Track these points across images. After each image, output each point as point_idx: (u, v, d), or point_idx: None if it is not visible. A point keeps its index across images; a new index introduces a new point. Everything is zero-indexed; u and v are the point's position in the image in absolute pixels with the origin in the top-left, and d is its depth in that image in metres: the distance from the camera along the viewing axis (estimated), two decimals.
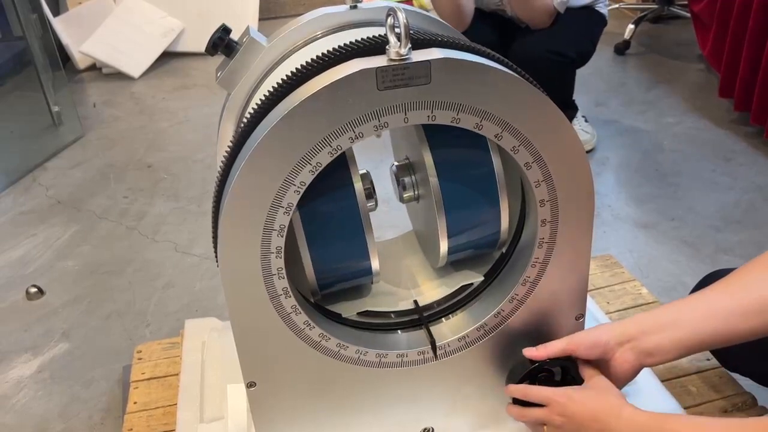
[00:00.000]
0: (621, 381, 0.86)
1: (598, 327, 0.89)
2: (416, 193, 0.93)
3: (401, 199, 0.94)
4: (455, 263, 0.95)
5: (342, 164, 0.82)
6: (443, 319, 0.92)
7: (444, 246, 0.87)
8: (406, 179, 0.92)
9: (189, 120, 2.79)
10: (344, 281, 0.89)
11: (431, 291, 0.95)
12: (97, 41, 3.24)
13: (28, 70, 2.71)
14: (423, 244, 1.01)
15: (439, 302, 0.94)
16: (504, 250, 0.93)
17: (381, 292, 0.95)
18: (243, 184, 0.72)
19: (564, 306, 0.90)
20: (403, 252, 1.02)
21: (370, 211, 0.86)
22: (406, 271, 1.00)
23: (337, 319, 0.89)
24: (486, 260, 0.95)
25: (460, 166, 0.86)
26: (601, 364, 0.87)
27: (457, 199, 0.85)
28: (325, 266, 0.85)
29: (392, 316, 0.94)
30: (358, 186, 0.82)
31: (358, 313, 0.91)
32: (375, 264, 0.86)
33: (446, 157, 0.85)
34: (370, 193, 0.87)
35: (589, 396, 0.83)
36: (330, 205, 0.82)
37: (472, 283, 0.93)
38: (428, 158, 0.84)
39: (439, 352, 0.89)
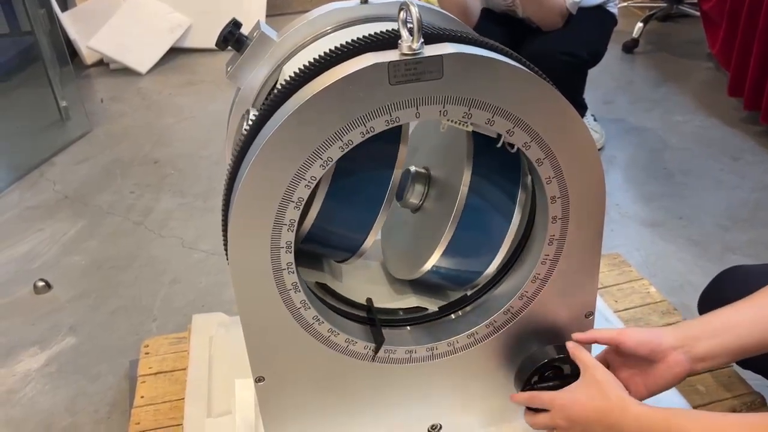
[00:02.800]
0: (669, 384, 0.86)
1: (648, 329, 0.90)
2: (420, 203, 0.94)
3: (401, 200, 0.94)
4: (414, 285, 0.97)
5: (394, 139, 0.82)
6: (452, 315, 0.92)
7: (434, 259, 0.87)
8: (419, 187, 0.93)
9: (195, 116, 2.79)
10: (331, 244, 0.88)
11: (388, 296, 0.96)
12: (104, 37, 3.25)
13: (36, 65, 2.72)
14: (394, 254, 1.01)
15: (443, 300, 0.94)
16: (468, 292, 0.94)
17: (344, 274, 0.96)
18: (254, 179, 0.72)
19: (574, 303, 0.90)
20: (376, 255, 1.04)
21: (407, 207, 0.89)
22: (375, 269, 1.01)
23: (346, 314, 0.89)
24: (443, 296, 0.97)
25: (488, 202, 0.88)
26: (643, 364, 0.86)
27: (469, 224, 0.86)
28: (327, 219, 0.83)
29: (400, 312, 0.94)
30: (397, 173, 0.83)
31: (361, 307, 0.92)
32: (368, 243, 0.86)
33: (481, 185, 0.87)
34: (404, 187, 0.90)
35: (591, 395, 0.82)
36: (366, 173, 0.83)
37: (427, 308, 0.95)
38: (467, 175, 0.85)
39: (448, 348, 0.88)
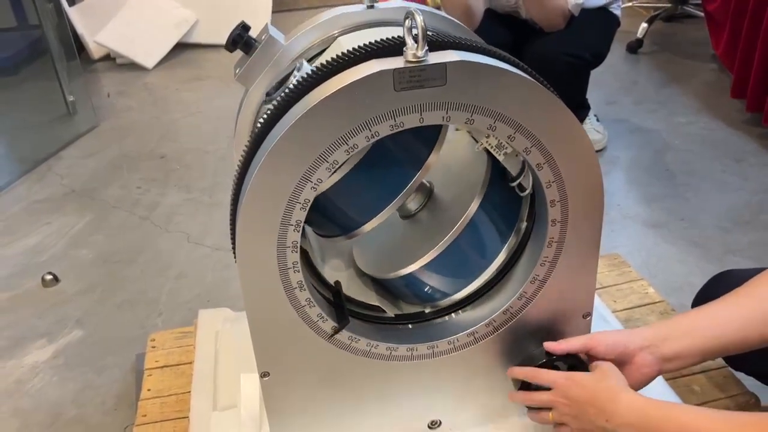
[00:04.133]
0: (638, 384, 0.87)
1: (618, 331, 0.92)
2: (414, 211, 0.95)
3: (402, 210, 0.96)
4: (377, 284, 0.98)
5: (430, 142, 0.84)
6: (453, 314, 0.94)
7: (412, 269, 0.89)
8: (420, 197, 0.95)
9: (201, 111, 2.81)
10: (329, 216, 0.87)
11: (355, 288, 0.97)
12: (111, 31, 3.27)
13: (44, 59, 2.74)
14: (368, 249, 1.01)
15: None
16: (426, 310, 0.96)
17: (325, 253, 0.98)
18: (261, 180, 0.74)
19: (572, 304, 0.92)
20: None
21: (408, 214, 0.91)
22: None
23: (350, 312, 0.91)
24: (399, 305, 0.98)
25: (482, 235, 0.91)
26: (617, 366, 0.88)
27: (458, 249, 0.89)
28: (338, 193, 0.83)
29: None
30: (421, 175, 0.84)
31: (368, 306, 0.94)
32: (364, 229, 0.86)
33: (481, 217, 0.89)
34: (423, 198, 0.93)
35: (590, 379, 0.85)
36: (393, 165, 0.84)
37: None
38: (475, 203, 0.88)
39: (448, 346, 0.90)
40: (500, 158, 0.87)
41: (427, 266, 0.89)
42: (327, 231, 0.92)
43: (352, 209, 0.87)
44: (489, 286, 0.94)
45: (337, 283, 0.93)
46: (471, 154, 0.95)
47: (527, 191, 0.90)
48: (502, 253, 0.91)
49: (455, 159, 0.97)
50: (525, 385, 0.91)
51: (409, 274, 0.90)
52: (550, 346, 0.90)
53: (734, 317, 0.86)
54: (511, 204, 0.92)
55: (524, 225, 0.92)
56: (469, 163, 0.95)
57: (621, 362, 0.87)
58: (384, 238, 0.99)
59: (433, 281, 0.92)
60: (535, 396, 0.89)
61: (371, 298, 0.96)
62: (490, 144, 0.85)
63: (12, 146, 2.67)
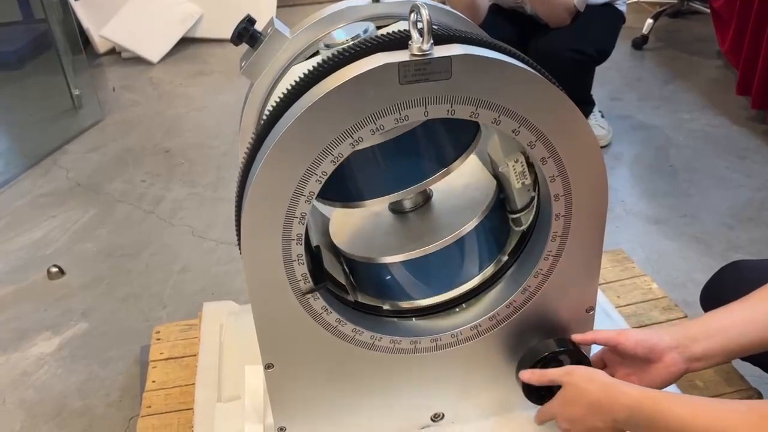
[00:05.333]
0: (665, 383, 0.88)
1: (647, 329, 0.92)
2: (407, 210, 0.96)
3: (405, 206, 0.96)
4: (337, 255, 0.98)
5: (465, 145, 0.85)
6: (457, 308, 0.94)
7: (387, 260, 0.90)
8: (419, 198, 0.96)
9: (206, 106, 2.82)
10: (336, 178, 0.84)
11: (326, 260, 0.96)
12: (117, 26, 3.28)
13: (49, 53, 2.75)
14: (345, 225, 1.00)
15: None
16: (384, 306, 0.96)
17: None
18: (267, 173, 0.75)
19: (575, 298, 0.93)
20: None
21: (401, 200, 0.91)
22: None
23: (354, 305, 0.92)
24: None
25: (464, 255, 0.93)
26: (640, 364, 0.89)
27: (438, 261, 0.90)
28: (358, 162, 0.83)
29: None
30: (445, 172, 0.85)
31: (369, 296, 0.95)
32: (365, 204, 0.86)
33: (470, 238, 0.91)
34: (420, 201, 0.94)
35: (571, 394, 0.85)
36: (423, 153, 0.84)
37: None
38: (473, 223, 0.89)
39: (451, 340, 0.91)
40: (516, 186, 0.88)
41: (405, 265, 0.90)
42: (325, 192, 0.87)
43: (361, 180, 0.86)
44: (491, 282, 0.94)
45: (317, 247, 0.93)
46: (477, 175, 0.96)
47: (522, 227, 0.92)
48: (476, 278, 0.92)
49: (461, 174, 0.98)
50: (528, 387, 0.92)
51: (381, 264, 0.90)
52: (577, 337, 0.91)
53: (760, 317, 0.87)
54: (500, 235, 0.94)
55: (505, 258, 0.93)
56: (473, 183, 0.96)
57: (648, 359, 0.88)
58: (368, 221, 0.98)
59: (399, 278, 0.93)
60: (545, 375, 0.89)
61: (339, 274, 0.96)
62: (515, 169, 0.87)
63: (17, 140, 2.68)
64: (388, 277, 0.93)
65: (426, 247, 0.88)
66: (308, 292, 0.82)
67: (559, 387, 0.89)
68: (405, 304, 0.93)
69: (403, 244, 0.91)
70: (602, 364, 0.94)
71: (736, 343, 0.87)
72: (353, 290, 0.96)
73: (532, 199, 0.91)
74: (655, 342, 0.87)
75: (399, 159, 0.84)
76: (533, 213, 0.90)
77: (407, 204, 0.96)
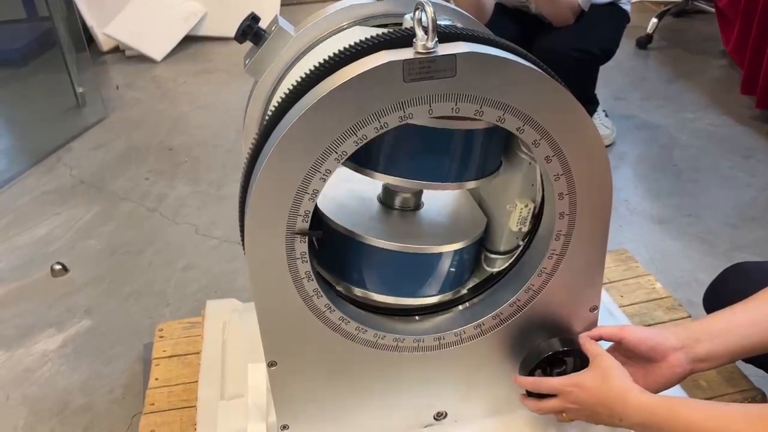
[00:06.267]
0: (669, 383, 0.88)
1: (651, 328, 0.92)
2: (395, 207, 0.95)
3: (392, 189, 0.95)
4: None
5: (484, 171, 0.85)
6: (460, 306, 0.94)
7: (398, 247, 0.89)
8: (410, 200, 0.95)
9: (210, 104, 2.82)
10: (369, 150, 0.82)
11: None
12: (120, 24, 3.28)
13: (53, 51, 2.75)
14: (335, 198, 0.96)
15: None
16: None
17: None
18: (270, 171, 0.75)
19: (579, 297, 0.92)
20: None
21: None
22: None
23: (357, 303, 0.92)
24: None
25: (435, 271, 0.92)
26: (644, 363, 0.89)
27: (407, 265, 0.90)
28: (388, 140, 0.81)
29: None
30: (464, 185, 0.86)
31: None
32: (377, 179, 0.85)
33: (445, 258, 0.91)
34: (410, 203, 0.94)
35: (593, 381, 0.85)
36: (451, 156, 0.84)
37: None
38: (454, 246, 0.90)
39: (455, 338, 0.91)
40: (513, 228, 0.89)
41: (378, 255, 0.89)
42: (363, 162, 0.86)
43: (385, 152, 0.83)
44: (494, 280, 0.94)
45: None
46: (471, 209, 0.97)
47: (492, 270, 0.93)
48: (431, 297, 0.92)
49: (457, 200, 0.99)
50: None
51: (353, 242, 0.89)
52: (584, 334, 0.91)
53: (763, 319, 0.87)
54: (469, 267, 0.95)
55: (464, 292, 0.94)
56: (464, 213, 0.97)
57: (651, 358, 0.88)
58: (354, 201, 0.97)
59: (363, 264, 0.91)
60: (544, 405, 0.90)
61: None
62: (521, 213, 0.89)
63: (21, 138, 2.68)
64: (355, 259, 0.91)
65: (405, 244, 0.88)
66: (300, 233, 0.79)
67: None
68: (358, 291, 0.92)
69: (384, 233, 0.90)
70: None
71: (739, 345, 0.87)
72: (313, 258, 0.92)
73: (517, 247, 0.92)
74: (660, 341, 0.87)
75: (431, 151, 0.83)
76: (511, 261, 0.93)
77: (397, 201, 0.95)
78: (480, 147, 0.82)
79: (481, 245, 0.95)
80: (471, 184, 0.86)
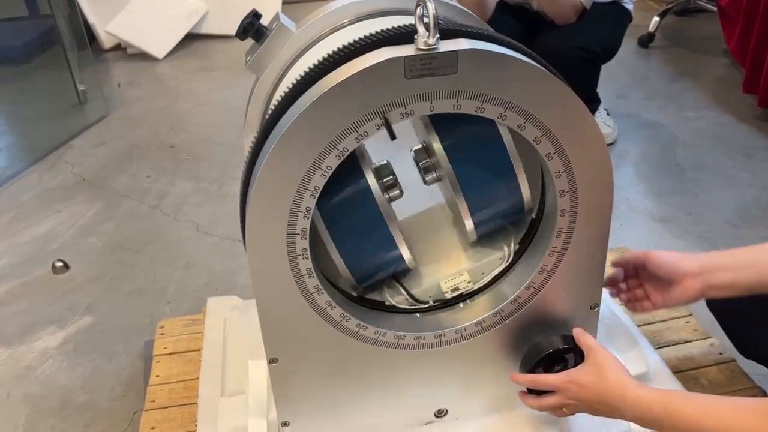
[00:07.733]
0: (683, 302, 0.95)
1: (674, 252, 0.97)
2: (437, 174, 0.94)
3: (425, 182, 0.94)
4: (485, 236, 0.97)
5: (353, 164, 0.84)
6: (461, 304, 0.94)
7: (469, 224, 0.90)
8: (426, 162, 0.93)
9: (211, 102, 2.82)
10: (380, 271, 0.91)
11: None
12: (122, 21, 3.28)
13: (55, 48, 2.75)
14: (455, 216, 1.01)
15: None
16: (534, 215, 0.93)
17: (421, 275, 0.97)
18: (272, 167, 0.75)
19: (580, 295, 0.92)
20: (436, 225, 1.04)
21: (396, 199, 0.88)
22: (441, 247, 1.00)
23: (358, 300, 0.92)
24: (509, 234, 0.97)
25: (471, 146, 0.87)
26: (664, 282, 0.94)
27: (473, 179, 0.87)
28: (356, 262, 0.87)
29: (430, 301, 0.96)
30: (372, 181, 0.84)
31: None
32: (405, 252, 0.88)
33: (455, 140, 0.86)
34: (393, 183, 0.89)
35: (589, 377, 0.86)
36: (347, 204, 0.84)
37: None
38: (437, 145, 0.86)
39: (455, 336, 0.91)
40: (443, 288, 0.93)
41: (473, 205, 0.89)
42: (393, 270, 0.94)
43: (375, 253, 0.89)
44: (496, 278, 0.94)
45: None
46: (460, 239, 0.98)
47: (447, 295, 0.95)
48: (506, 139, 0.87)
49: (448, 222, 1.00)
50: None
51: (475, 221, 0.91)
52: (578, 330, 0.91)
53: None
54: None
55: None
56: (446, 238, 0.99)
57: (669, 281, 0.93)
58: (452, 205, 0.99)
59: (493, 208, 0.91)
60: (544, 402, 0.90)
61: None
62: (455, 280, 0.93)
63: (23, 135, 2.68)
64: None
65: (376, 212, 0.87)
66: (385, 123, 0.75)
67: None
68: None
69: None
70: (635, 276, 1.00)
71: (757, 280, 0.90)
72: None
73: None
74: (677, 266, 0.92)
75: (346, 210, 0.85)
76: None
77: (430, 177, 0.92)
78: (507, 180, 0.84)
79: None
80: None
